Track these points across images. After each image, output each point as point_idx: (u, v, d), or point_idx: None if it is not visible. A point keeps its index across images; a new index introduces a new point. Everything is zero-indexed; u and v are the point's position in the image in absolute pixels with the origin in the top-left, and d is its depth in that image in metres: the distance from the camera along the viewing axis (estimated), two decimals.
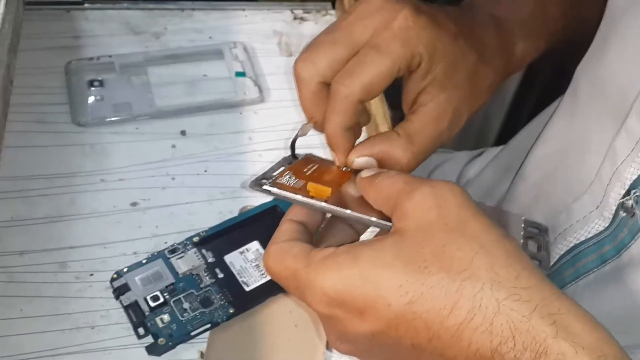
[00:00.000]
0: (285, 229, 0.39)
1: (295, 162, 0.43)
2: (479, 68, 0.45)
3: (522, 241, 0.40)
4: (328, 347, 0.46)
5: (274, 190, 0.39)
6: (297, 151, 0.44)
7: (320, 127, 0.43)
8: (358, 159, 0.41)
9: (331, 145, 0.42)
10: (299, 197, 0.39)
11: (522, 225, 0.42)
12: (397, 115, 0.50)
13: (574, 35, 0.53)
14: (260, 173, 0.41)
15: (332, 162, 0.43)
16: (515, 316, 0.31)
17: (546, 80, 1.02)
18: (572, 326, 0.31)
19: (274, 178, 0.40)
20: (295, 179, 0.40)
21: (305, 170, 0.42)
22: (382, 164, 0.42)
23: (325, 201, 0.39)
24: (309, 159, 0.44)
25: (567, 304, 0.32)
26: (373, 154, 0.41)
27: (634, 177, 0.41)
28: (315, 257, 0.36)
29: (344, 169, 0.43)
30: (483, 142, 1.16)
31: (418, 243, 0.34)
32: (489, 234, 0.34)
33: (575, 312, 0.32)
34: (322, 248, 0.36)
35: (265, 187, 0.39)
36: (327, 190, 0.39)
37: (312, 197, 0.39)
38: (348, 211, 0.38)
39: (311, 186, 0.39)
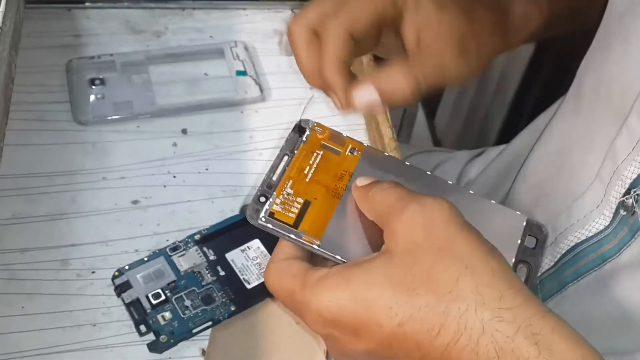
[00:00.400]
0: (284, 245, 0.40)
1: (300, 148, 0.43)
2: (474, 7, 0.45)
3: (518, 243, 0.41)
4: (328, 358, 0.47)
5: (269, 226, 0.40)
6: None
7: (316, 81, 0.43)
8: (360, 96, 0.42)
9: (329, 86, 0.42)
10: (292, 237, 0.40)
11: (524, 226, 0.42)
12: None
13: (578, 10, 0.52)
14: (259, 184, 0.41)
15: (340, 137, 0.43)
16: (500, 337, 0.32)
17: (547, 79, 1.02)
18: (555, 345, 0.32)
19: (270, 201, 0.40)
20: (293, 197, 0.41)
21: (307, 168, 0.42)
22: (386, 98, 0.42)
23: (318, 245, 0.39)
24: (316, 137, 0.43)
25: (552, 322, 0.33)
26: (374, 86, 0.42)
27: (634, 176, 0.41)
28: (310, 278, 0.37)
29: (350, 152, 0.43)
30: (484, 141, 1.16)
31: (406, 264, 0.34)
32: (475, 252, 0.34)
33: (560, 331, 0.32)
34: (317, 268, 0.37)
35: (260, 222, 0.40)
36: (319, 236, 0.40)
37: (304, 240, 0.39)
38: (338, 257, 0.39)
39: (305, 226, 0.40)
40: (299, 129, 0.44)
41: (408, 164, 0.44)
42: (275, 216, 0.40)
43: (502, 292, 0.33)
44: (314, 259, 0.40)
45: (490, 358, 0.32)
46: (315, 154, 0.43)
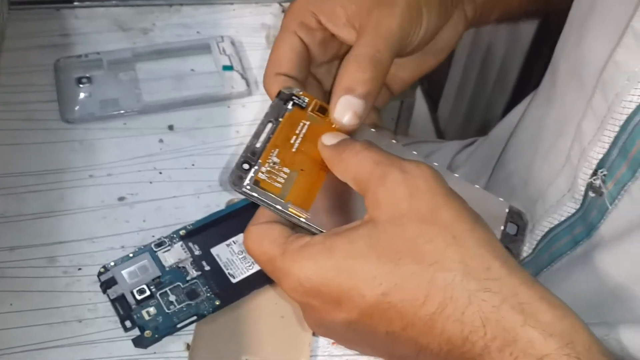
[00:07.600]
0: (266, 209, 0.39)
1: (285, 116, 0.41)
2: None
3: (501, 230, 0.40)
4: (315, 334, 0.46)
5: (254, 195, 0.39)
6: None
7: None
8: (338, 111, 0.40)
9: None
10: (278, 208, 0.39)
11: (507, 212, 0.41)
12: None
13: None
14: (242, 149, 0.39)
15: (326, 108, 0.41)
16: (486, 307, 0.32)
17: (547, 67, 1.01)
18: (541, 314, 0.32)
19: (255, 169, 0.39)
20: (280, 167, 0.39)
21: (293, 138, 0.40)
22: (360, 94, 0.40)
23: (305, 219, 0.38)
24: (301, 107, 0.41)
25: (539, 292, 0.33)
26: (340, 91, 0.40)
27: (600, 156, 0.41)
28: (291, 245, 0.36)
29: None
30: (487, 131, 1.15)
31: (391, 234, 0.34)
32: (461, 222, 0.34)
33: (547, 301, 0.32)
34: (299, 235, 0.37)
35: (245, 189, 0.39)
36: (306, 209, 0.39)
37: (291, 212, 0.38)
38: (324, 231, 0.38)
39: (292, 198, 0.39)
40: (285, 96, 0.42)
41: (394, 141, 0.42)
42: (261, 185, 0.39)
43: (489, 263, 0.33)
44: (295, 226, 0.39)
45: (476, 327, 0.32)
46: (302, 124, 0.41)
